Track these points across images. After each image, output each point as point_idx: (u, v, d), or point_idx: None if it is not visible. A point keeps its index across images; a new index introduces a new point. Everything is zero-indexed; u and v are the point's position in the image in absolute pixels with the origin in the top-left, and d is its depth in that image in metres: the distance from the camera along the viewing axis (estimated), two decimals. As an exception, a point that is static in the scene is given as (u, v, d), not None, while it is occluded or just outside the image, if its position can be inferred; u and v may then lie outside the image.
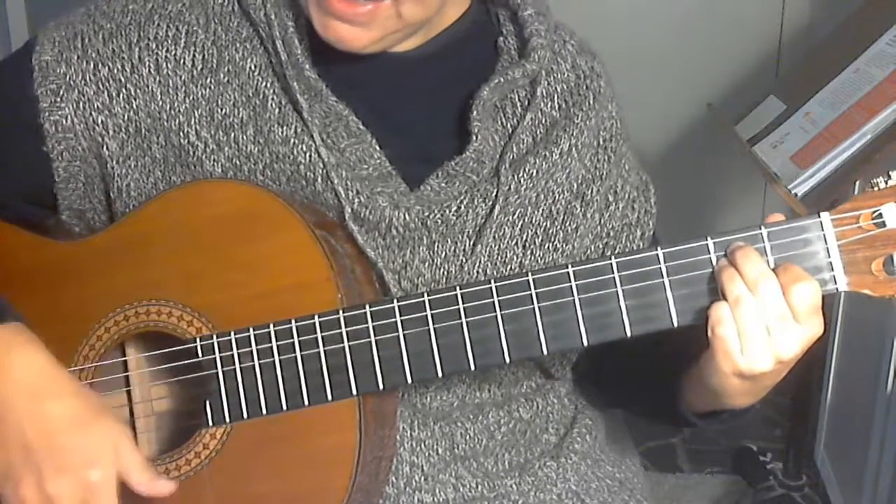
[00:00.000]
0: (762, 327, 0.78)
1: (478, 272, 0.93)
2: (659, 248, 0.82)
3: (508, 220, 0.94)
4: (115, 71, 0.91)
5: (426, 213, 0.91)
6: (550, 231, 0.96)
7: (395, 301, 0.84)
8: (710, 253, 0.82)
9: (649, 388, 0.97)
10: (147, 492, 0.81)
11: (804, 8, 2.57)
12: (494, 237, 0.93)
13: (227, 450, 0.86)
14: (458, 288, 0.83)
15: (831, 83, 1.62)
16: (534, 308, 0.82)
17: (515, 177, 0.93)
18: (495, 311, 0.83)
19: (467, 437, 0.98)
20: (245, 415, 0.85)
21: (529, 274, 0.83)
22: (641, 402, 1.04)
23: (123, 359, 0.93)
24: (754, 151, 1.68)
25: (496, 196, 0.93)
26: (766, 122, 1.74)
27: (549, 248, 0.96)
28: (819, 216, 0.81)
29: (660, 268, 0.81)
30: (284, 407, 0.85)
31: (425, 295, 0.83)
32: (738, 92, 2.46)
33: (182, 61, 0.91)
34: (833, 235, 0.80)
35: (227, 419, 0.86)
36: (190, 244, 0.87)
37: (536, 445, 1.02)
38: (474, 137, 0.92)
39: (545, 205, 0.96)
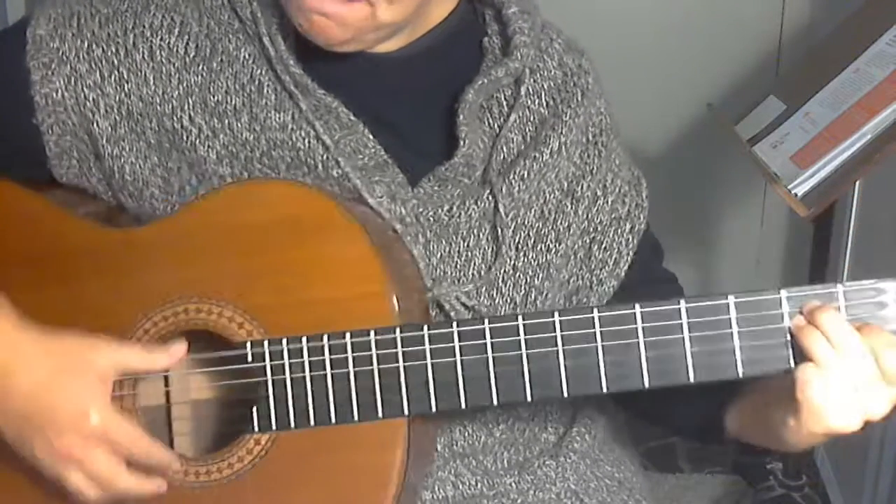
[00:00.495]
0: (851, 390, 0.78)
1: (473, 274, 0.93)
2: (730, 297, 0.81)
3: (501, 222, 0.93)
4: (109, 53, 0.91)
5: (420, 209, 0.91)
6: (542, 231, 0.96)
7: (455, 325, 0.83)
8: (781, 308, 0.80)
9: (684, 409, 0.96)
10: (163, 364, 0.85)
11: (804, 8, 2.57)
12: (487, 240, 0.93)
13: (271, 457, 0.85)
14: (520, 318, 0.82)
15: (831, 83, 1.62)
16: (597, 347, 0.81)
17: (507, 180, 0.93)
18: (556, 346, 0.82)
19: (466, 434, 0.98)
20: (292, 424, 0.84)
21: (596, 311, 0.81)
22: (670, 421, 1.04)
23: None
24: (754, 151, 1.68)
25: (487, 199, 0.93)
26: (766, 122, 1.74)
27: (541, 248, 0.96)
28: None
29: (729, 318, 0.80)
30: (333, 420, 0.84)
31: (486, 322, 0.82)
32: (738, 92, 2.46)
33: (175, 49, 0.91)
34: None
35: (274, 427, 0.85)
36: (244, 244, 0.86)
37: (535, 444, 1.02)
38: (462, 143, 0.92)
39: (537, 205, 0.96)
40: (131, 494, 0.84)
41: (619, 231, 1.01)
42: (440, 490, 0.96)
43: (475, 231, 0.93)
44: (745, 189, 2.68)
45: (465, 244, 0.93)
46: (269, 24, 0.91)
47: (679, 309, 0.81)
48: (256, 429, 0.85)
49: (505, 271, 0.94)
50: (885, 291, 0.80)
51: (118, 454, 0.83)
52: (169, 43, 0.91)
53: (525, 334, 0.82)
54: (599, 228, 1.00)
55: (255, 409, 0.85)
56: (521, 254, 0.95)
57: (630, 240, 1.01)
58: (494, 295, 0.95)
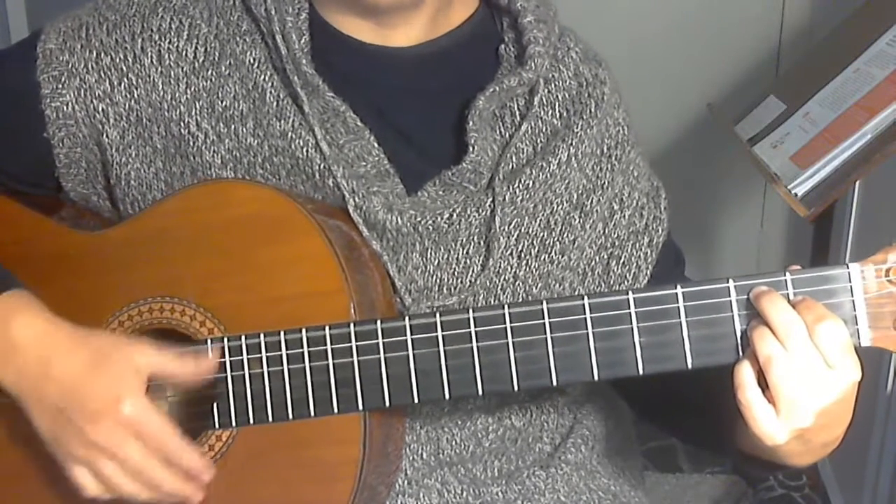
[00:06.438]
0: (797, 382, 0.75)
1: (470, 282, 0.92)
2: (678, 287, 0.80)
3: (504, 230, 0.93)
4: (118, 60, 0.91)
5: (418, 219, 0.90)
6: (547, 242, 0.95)
7: (407, 319, 0.83)
8: (730, 295, 0.80)
9: (700, 425, 0.95)
10: (195, 371, 0.84)
11: (804, 8, 2.57)
12: (488, 247, 0.92)
13: (232, 453, 0.86)
14: (470, 311, 0.82)
15: (831, 83, 1.62)
16: (546, 338, 0.81)
17: (511, 188, 0.92)
18: (507, 338, 0.81)
19: (453, 442, 0.97)
20: (251, 420, 0.85)
21: (544, 303, 0.81)
22: (690, 435, 1.03)
23: None
24: (754, 151, 1.68)
25: (489, 206, 0.92)
26: (766, 122, 1.74)
27: (545, 259, 0.95)
28: (847, 267, 0.78)
29: (678, 307, 0.80)
30: (290, 416, 0.85)
31: (437, 315, 0.83)
32: (738, 92, 2.46)
33: (184, 53, 0.91)
34: (861, 287, 0.78)
35: (234, 423, 0.86)
36: (207, 244, 0.87)
37: (529, 454, 1.01)
38: (471, 149, 0.91)
39: (543, 215, 0.95)
40: (164, 490, 0.83)
41: (637, 245, 1.00)
42: (425, 498, 0.95)
43: (474, 238, 0.92)
44: (745, 189, 2.69)
45: (465, 251, 0.92)
46: (283, 21, 0.91)
47: (628, 299, 0.80)
48: (217, 425, 0.86)
49: (505, 279, 0.93)
50: (834, 279, 0.78)
51: (150, 447, 0.82)
52: (178, 46, 0.91)
53: (476, 327, 0.82)
54: (617, 243, 0.99)
55: (215, 405, 0.86)
56: (524, 262, 0.94)
57: (649, 254, 1.00)
58: (493, 303, 0.93)
